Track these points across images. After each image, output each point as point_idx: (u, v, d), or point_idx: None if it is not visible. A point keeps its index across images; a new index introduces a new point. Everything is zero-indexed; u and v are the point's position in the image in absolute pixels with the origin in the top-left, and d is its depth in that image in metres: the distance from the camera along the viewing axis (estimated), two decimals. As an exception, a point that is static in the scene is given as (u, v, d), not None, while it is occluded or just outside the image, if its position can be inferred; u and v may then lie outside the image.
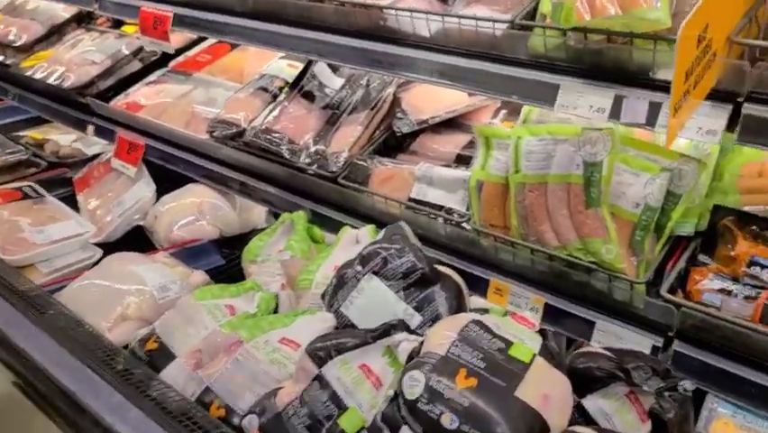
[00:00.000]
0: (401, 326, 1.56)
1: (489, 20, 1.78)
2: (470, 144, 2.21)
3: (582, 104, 1.65)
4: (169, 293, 2.14)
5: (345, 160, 2.20)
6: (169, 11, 2.68)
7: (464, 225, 1.92)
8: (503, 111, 2.31)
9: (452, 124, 2.33)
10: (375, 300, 1.72)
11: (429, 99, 2.33)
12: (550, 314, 1.77)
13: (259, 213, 2.73)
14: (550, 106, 1.71)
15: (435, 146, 2.27)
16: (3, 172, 3.06)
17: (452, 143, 2.24)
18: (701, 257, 1.63)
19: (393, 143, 2.35)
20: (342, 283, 1.78)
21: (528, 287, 1.82)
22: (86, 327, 1.98)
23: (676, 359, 1.57)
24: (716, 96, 1.45)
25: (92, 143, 3.42)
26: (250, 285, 2.08)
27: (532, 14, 1.79)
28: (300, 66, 2.72)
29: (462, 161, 2.17)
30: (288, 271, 2.11)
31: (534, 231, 1.74)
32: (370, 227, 2.09)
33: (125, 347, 1.98)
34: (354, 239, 2.08)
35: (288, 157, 2.29)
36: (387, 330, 1.55)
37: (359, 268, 1.77)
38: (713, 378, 1.54)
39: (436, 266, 1.78)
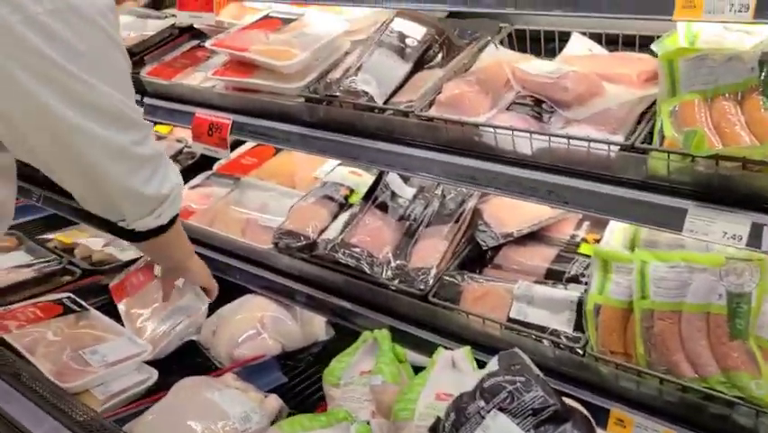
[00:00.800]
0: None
1: (605, 142, 1.75)
2: (559, 258, 2.15)
3: (715, 230, 1.60)
4: (251, 424, 1.99)
5: (435, 276, 2.12)
6: (227, 118, 2.62)
7: (579, 349, 1.84)
8: (585, 223, 2.27)
9: (533, 235, 2.27)
10: (503, 439, 1.61)
11: (510, 211, 2.28)
12: (684, 448, 1.68)
13: (319, 324, 2.61)
14: (674, 231, 1.66)
15: (521, 259, 2.20)
16: (38, 283, 2.90)
17: (538, 257, 2.18)
18: None
19: (474, 256, 2.28)
20: (463, 420, 1.66)
21: (656, 419, 1.72)
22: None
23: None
24: None
25: (125, 248, 3.28)
26: (342, 415, 1.95)
27: (647, 135, 1.77)
28: (362, 173, 2.67)
29: (554, 276, 2.10)
30: (381, 398, 1.99)
31: (666, 360, 1.67)
32: (466, 349, 1.98)
33: (211, 489, 1.83)
34: (450, 362, 1.97)
35: (369, 272, 2.20)
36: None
37: (482, 403, 1.65)
38: None
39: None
